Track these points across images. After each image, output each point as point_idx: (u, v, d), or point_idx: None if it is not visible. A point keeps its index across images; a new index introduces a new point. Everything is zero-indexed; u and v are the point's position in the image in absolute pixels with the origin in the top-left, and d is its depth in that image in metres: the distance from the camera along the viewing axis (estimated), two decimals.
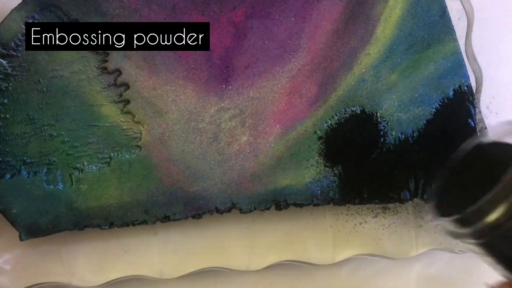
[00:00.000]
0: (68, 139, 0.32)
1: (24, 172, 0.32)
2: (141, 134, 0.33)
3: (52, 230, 0.32)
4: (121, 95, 0.33)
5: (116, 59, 0.33)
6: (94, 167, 0.33)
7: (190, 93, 0.34)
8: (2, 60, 0.32)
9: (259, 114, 0.34)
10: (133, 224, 0.33)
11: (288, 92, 0.34)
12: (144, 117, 0.33)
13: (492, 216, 0.21)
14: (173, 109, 0.33)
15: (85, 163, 0.33)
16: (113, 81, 0.33)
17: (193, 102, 0.34)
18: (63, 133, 0.32)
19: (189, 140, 0.33)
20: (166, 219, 0.33)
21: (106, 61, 0.33)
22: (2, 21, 0.32)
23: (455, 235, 0.23)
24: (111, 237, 0.34)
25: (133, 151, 0.33)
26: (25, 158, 0.32)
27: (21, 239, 0.32)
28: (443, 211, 0.24)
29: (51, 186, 0.32)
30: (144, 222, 0.33)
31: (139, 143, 0.33)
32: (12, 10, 0.32)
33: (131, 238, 0.34)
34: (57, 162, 0.32)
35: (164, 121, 0.33)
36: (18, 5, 0.33)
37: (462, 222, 0.22)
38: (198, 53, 0.34)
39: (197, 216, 0.33)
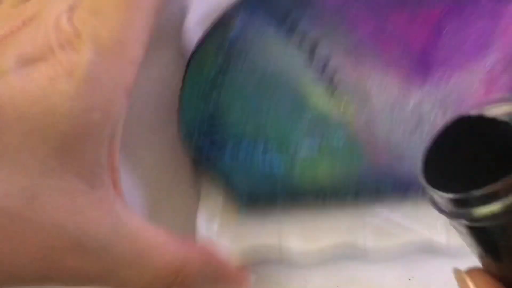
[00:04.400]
0: (279, 127, 0.34)
1: (243, 152, 0.33)
2: (348, 122, 0.34)
3: (271, 200, 0.33)
4: (329, 83, 0.34)
5: (325, 48, 0.34)
6: (305, 153, 0.33)
7: (391, 85, 0.35)
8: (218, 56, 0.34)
9: (457, 107, 0.35)
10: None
11: (484, 87, 0.35)
12: (350, 106, 0.34)
13: (496, 206, 0.19)
14: (376, 99, 0.34)
15: (297, 149, 0.33)
16: (322, 69, 0.34)
17: (395, 93, 0.35)
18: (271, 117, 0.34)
19: (393, 129, 0.34)
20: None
21: (314, 51, 0.34)
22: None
23: (445, 212, 0.21)
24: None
25: (341, 138, 0.34)
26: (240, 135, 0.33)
27: (240, 212, 0.33)
28: (436, 184, 0.21)
29: (268, 169, 0.33)
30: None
31: (347, 131, 0.34)
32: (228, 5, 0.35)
33: None
34: (272, 144, 0.33)
35: (369, 110, 0.34)
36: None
37: (460, 202, 0.20)
38: (399, 48, 0.35)
39: None
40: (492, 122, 0.21)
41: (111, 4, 0.22)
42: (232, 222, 0.33)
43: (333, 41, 0.34)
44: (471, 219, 0.19)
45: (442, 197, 0.20)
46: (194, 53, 0.34)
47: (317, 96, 0.34)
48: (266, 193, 0.33)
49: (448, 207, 0.20)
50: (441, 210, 0.21)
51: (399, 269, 0.35)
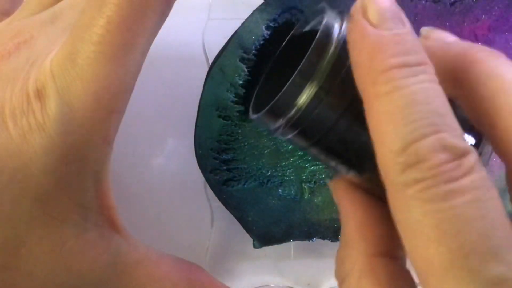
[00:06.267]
0: (301, 152, 0.32)
1: (259, 181, 0.32)
2: None
3: (285, 239, 0.32)
4: None
5: None
6: (325, 181, 0.32)
7: None
8: (242, 65, 0.31)
9: None
10: None
11: None
12: None
13: (300, 100, 0.18)
14: None
15: (318, 176, 0.32)
16: None
17: None
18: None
19: None
20: None
21: None
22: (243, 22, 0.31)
23: (275, 131, 0.20)
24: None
25: None
26: (260, 167, 0.32)
27: (254, 247, 0.32)
28: (257, 108, 0.21)
29: (287, 197, 0.32)
30: None
31: None
32: (254, 10, 0.31)
33: None
34: (292, 173, 0.32)
35: None
36: (260, 6, 0.31)
37: (275, 113, 0.19)
38: None
39: None
40: (309, 36, 0.20)
41: (90, 55, 0.20)
42: (245, 258, 0.33)
43: None
44: (293, 122, 0.19)
45: (264, 116, 0.20)
46: (215, 61, 0.31)
47: None
48: (281, 228, 0.32)
49: (275, 123, 0.20)
50: (275, 131, 0.20)
51: None
